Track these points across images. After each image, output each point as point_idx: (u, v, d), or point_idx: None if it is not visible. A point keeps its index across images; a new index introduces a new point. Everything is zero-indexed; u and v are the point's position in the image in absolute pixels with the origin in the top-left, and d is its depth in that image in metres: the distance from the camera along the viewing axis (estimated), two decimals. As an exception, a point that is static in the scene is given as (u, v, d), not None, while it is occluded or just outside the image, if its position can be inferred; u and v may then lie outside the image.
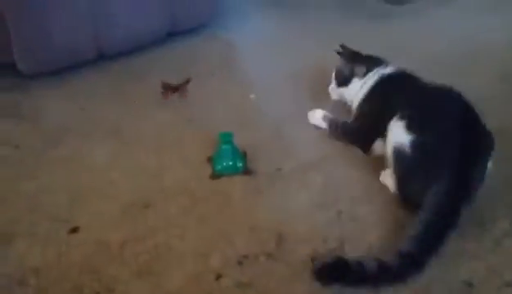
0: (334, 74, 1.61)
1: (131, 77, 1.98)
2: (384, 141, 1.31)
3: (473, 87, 1.74)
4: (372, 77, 1.47)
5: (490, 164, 1.20)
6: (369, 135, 1.41)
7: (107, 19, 1.96)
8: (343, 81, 1.56)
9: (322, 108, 1.63)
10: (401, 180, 1.22)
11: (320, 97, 1.71)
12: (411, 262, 1.03)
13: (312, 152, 1.50)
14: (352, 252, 1.13)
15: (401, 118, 1.23)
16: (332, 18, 2.53)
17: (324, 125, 1.56)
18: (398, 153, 1.21)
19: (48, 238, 1.21)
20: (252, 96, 1.83)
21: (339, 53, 1.58)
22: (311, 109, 1.64)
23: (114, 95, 1.86)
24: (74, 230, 1.24)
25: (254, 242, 1.18)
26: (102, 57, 2.02)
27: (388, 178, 1.29)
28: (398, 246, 1.08)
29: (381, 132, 1.32)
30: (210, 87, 1.89)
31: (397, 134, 1.22)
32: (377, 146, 1.38)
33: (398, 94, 1.35)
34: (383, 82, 1.44)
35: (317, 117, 1.59)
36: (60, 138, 1.60)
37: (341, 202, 1.29)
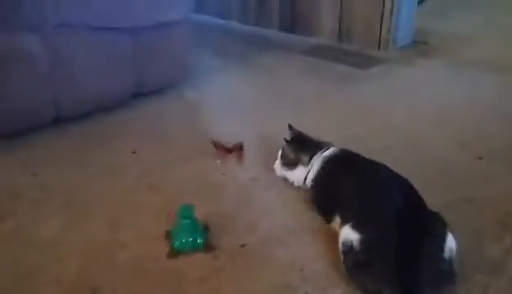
0: (280, 154, 1.59)
1: (90, 141, 1.89)
2: (340, 218, 1.29)
3: (432, 155, 1.74)
4: (316, 161, 1.49)
5: (451, 242, 1.16)
6: (325, 211, 1.41)
7: (67, 80, 1.88)
8: (289, 165, 1.56)
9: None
10: (351, 274, 1.19)
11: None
12: None
13: (278, 224, 1.41)
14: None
15: (347, 219, 1.23)
16: (301, 82, 2.53)
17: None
18: (346, 248, 1.19)
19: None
20: (218, 161, 1.76)
21: (286, 140, 1.57)
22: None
23: (70, 160, 1.76)
24: (11, 320, 1.11)
25: (213, 330, 1.07)
26: (60, 119, 1.93)
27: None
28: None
29: (337, 207, 1.33)
30: (175, 151, 1.81)
31: (345, 231, 1.21)
32: (336, 223, 1.33)
33: (343, 181, 1.38)
34: (328, 165, 1.46)
35: None
36: (7, 208, 1.48)
37: (307, 283, 1.20)
